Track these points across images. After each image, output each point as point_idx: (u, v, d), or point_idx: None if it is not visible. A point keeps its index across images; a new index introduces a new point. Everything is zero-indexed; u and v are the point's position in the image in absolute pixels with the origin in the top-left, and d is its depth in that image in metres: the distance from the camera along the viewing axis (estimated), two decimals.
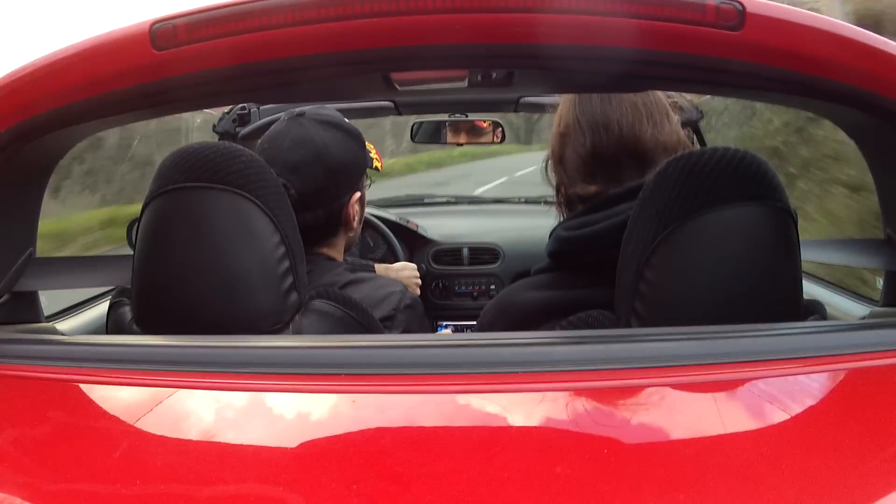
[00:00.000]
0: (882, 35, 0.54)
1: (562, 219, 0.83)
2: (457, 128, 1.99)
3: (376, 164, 1.14)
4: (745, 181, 0.60)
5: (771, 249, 0.61)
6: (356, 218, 0.99)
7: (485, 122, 1.99)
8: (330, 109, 1.01)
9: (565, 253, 0.77)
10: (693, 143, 1.05)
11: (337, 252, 0.98)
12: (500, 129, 2.00)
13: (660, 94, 0.79)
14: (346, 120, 1.00)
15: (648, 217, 0.62)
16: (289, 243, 0.69)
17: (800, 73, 0.53)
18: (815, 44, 0.53)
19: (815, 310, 0.68)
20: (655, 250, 0.61)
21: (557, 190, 0.84)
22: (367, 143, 1.03)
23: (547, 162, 0.86)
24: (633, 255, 0.63)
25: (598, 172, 0.77)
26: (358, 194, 0.98)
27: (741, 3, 0.51)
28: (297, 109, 0.98)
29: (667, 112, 0.79)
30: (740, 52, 0.52)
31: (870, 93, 0.54)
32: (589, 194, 0.77)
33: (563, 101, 0.83)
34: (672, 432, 0.42)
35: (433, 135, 2.02)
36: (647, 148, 0.75)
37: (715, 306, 0.60)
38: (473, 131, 2.00)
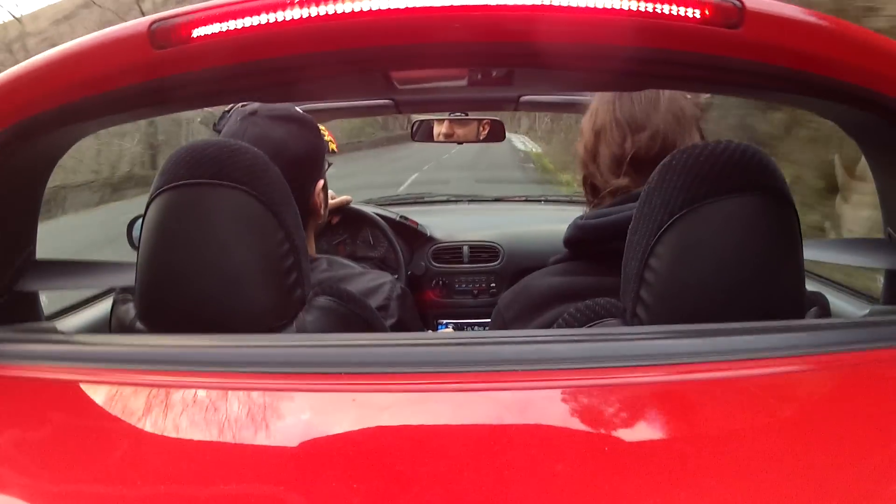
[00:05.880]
0: None
1: (587, 209, 0.88)
2: (451, 126, 1.99)
3: (332, 146, 1.15)
4: (746, 172, 0.61)
5: (772, 239, 0.61)
6: (322, 206, 1.01)
7: (482, 119, 1.99)
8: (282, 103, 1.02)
9: (579, 240, 0.81)
10: None
11: (310, 243, 1.00)
12: (500, 124, 2.00)
13: (689, 104, 0.83)
14: (299, 109, 1.01)
15: (654, 207, 0.63)
16: (293, 240, 0.69)
17: (800, 70, 0.53)
18: (815, 41, 0.53)
19: (817, 301, 0.68)
20: (660, 239, 0.61)
21: (584, 181, 0.88)
22: (320, 127, 1.04)
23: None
24: (639, 245, 0.63)
25: (630, 170, 0.81)
26: (321, 182, 1.00)
27: (741, 1, 0.51)
28: (249, 108, 0.98)
29: (696, 122, 0.83)
30: (740, 49, 0.52)
31: (870, 90, 0.54)
32: (621, 187, 0.81)
33: (597, 99, 0.87)
34: (673, 430, 0.42)
35: (429, 134, 2.02)
36: None
37: (718, 295, 0.61)
38: (469, 128, 2.00)
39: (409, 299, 0.97)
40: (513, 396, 0.46)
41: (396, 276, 1.84)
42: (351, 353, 0.51)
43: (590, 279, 0.77)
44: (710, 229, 0.61)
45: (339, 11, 0.51)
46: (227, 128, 0.97)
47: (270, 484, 0.36)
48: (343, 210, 1.84)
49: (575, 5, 0.50)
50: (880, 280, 0.71)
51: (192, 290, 0.66)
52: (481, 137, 2.02)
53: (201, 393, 0.47)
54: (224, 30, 0.53)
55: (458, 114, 1.93)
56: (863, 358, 0.49)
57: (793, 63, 0.53)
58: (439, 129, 2.01)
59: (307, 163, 0.96)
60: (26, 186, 0.66)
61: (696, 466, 0.37)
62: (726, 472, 0.36)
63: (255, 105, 0.98)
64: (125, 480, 0.36)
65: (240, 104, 1.02)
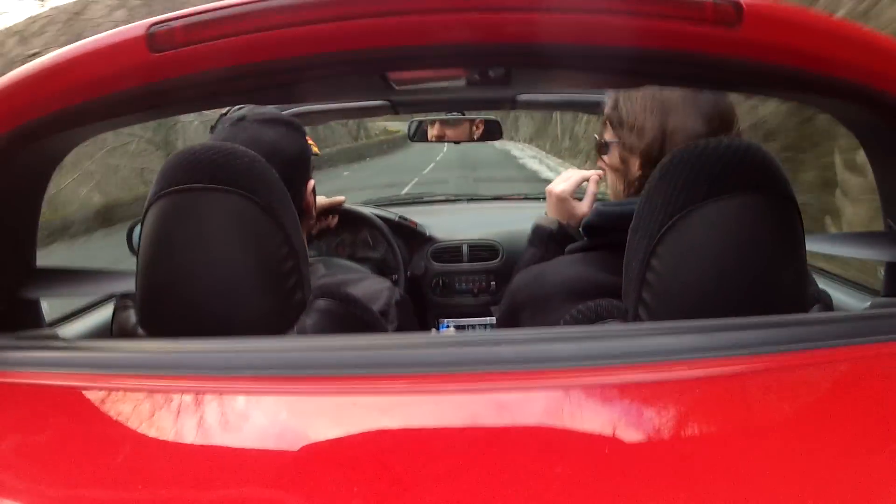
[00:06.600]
0: None
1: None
2: (449, 126, 1.99)
3: (315, 150, 1.17)
4: (748, 171, 0.61)
5: (775, 238, 0.61)
6: (313, 206, 1.03)
7: (477, 119, 1.99)
8: (267, 107, 1.03)
9: (598, 227, 0.82)
10: None
11: None
12: (497, 124, 2.00)
13: (731, 103, 0.82)
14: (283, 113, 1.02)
15: (654, 207, 0.62)
16: (292, 243, 0.69)
17: (798, 69, 0.54)
18: (813, 40, 0.53)
19: (819, 298, 0.68)
20: (661, 240, 0.61)
21: (623, 179, 0.87)
22: None
23: (598, 147, 0.90)
24: (640, 245, 0.63)
25: None
26: (312, 182, 1.01)
27: (738, 1, 0.51)
28: (237, 114, 0.99)
29: (736, 120, 0.82)
30: (738, 48, 0.52)
31: (868, 87, 0.54)
32: None
33: (631, 96, 0.83)
34: (674, 429, 0.42)
35: (425, 135, 2.02)
36: None
37: (720, 295, 0.60)
38: (463, 128, 2.00)
39: (409, 305, 0.97)
40: (514, 397, 0.46)
41: (396, 277, 1.84)
42: (351, 356, 0.51)
43: (604, 277, 0.76)
44: (712, 229, 0.61)
45: (337, 13, 0.51)
46: (216, 135, 0.98)
47: (272, 487, 0.36)
48: (342, 211, 1.84)
49: (573, 5, 0.50)
50: (881, 272, 0.71)
51: (193, 294, 0.66)
52: (476, 137, 2.02)
53: (203, 397, 0.47)
54: (222, 33, 0.53)
55: (455, 114, 1.93)
56: (864, 352, 0.49)
57: (791, 61, 0.53)
58: (434, 131, 2.01)
59: (298, 164, 0.96)
60: (25, 193, 0.66)
61: (699, 465, 0.37)
62: (730, 469, 0.36)
63: (243, 111, 0.99)
64: (128, 486, 0.36)
65: (226, 112, 1.03)
